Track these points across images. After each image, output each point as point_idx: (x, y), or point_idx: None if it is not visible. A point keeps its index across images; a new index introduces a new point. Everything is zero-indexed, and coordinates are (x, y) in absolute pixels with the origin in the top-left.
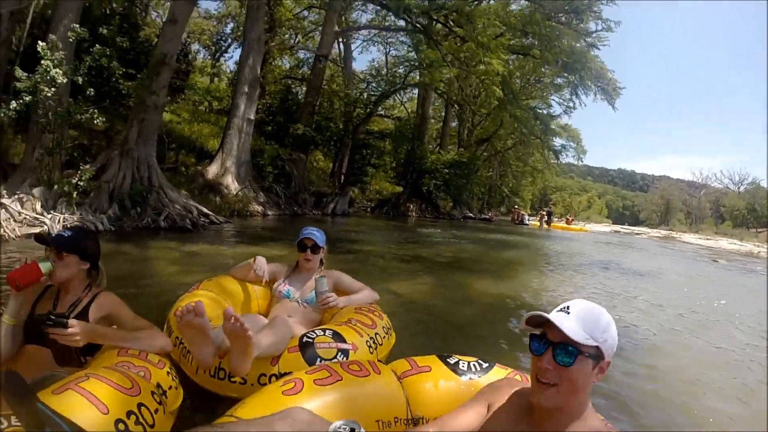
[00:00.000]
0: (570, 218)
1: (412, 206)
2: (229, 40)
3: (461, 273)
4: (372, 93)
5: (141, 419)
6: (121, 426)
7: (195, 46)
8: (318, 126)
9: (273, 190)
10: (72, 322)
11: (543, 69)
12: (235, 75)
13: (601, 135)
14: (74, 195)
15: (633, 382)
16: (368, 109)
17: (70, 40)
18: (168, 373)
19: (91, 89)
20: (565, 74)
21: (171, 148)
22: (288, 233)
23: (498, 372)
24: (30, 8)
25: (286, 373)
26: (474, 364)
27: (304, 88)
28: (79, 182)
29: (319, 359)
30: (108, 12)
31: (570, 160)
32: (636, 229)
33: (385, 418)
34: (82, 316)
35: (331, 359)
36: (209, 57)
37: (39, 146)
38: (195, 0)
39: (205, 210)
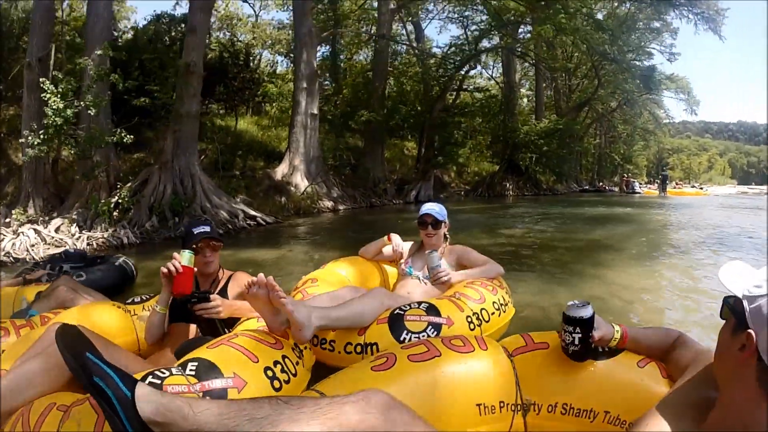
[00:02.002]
0: (678, 184)
1: (508, 184)
2: None
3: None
4: (447, 68)
5: (285, 368)
6: (269, 372)
7: (278, 57)
8: (389, 110)
9: (332, 182)
10: (214, 296)
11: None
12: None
13: (713, 83)
14: (113, 213)
15: None
16: (442, 86)
17: (76, 68)
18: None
19: (93, 110)
20: (659, 14)
21: (238, 154)
22: (338, 230)
23: (629, 356)
24: (52, 51)
25: (371, 344)
26: None
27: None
28: (119, 200)
29: (405, 331)
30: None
31: (685, 117)
32: (765, 188)
33: (488, 402)
34: (222, 293)
35: (419, 332)
36: (291, 64)
37: (80, 172)
38: (210, 10)
39: (252, 212)
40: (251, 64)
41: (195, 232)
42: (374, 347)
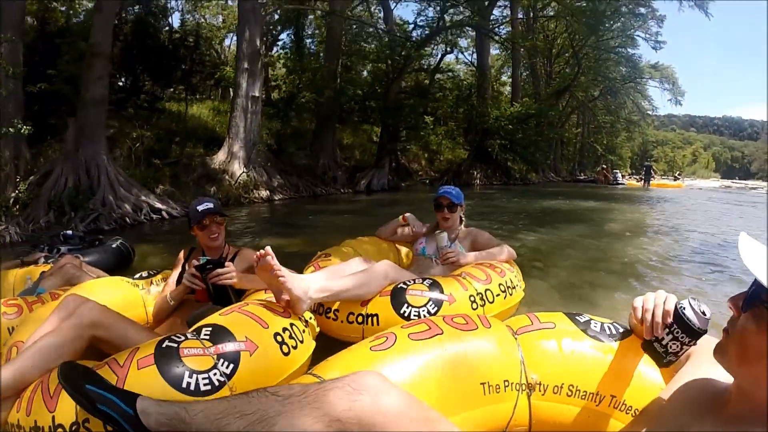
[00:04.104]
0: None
1: (475, 173)
2: (279, 28)
3: None
4: (406, 46)
5: (293, 335)
6: (278, 338)
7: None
8: (336, 92)
9: (273, 169)
10: (227, 263)
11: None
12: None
13: (700, 77)
14: (11, 208)
15: None
16: (399, 65)
17: None
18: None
19: None
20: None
21: (175, 141)
22: (247, 230)
23: (636, 340)
24: None
25: (372, 315)
26: (609, 326)
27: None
28: (18, 194)
29: (406, 305)
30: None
31: (670, 110)
32: (750, 183)
33: (492, 381)
34: None
35: (419, 307)
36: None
37: None
38: None
39: (158, 205)
40: (201, 46)
41: (199, 210)
42: (375, 318)
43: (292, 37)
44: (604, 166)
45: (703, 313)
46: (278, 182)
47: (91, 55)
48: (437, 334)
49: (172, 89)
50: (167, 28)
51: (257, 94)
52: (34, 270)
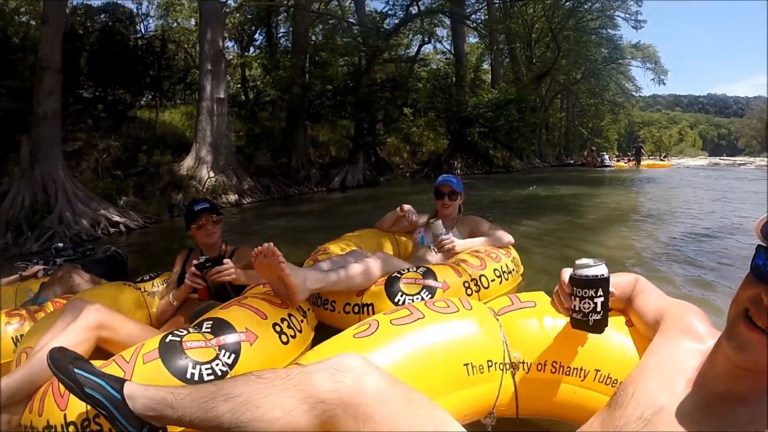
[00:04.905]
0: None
1: (456, 163)
2: (253, 27)
3: None
4: (375, 36)
5: (291, 324)
6: (277, 328)
7: (228, 43)
8: (303, 88)
9: (244, 172)
10: (226, 260)
11: None
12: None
13: (682, 55)
14: None
15: None
16: (369, 57)
17: None
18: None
19: None
20: None
21: (142, 149)
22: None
23: (617, 314)
24: None
25: (367, 304)
26: None
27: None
28: None
29: (400, 293)
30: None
31: (654, 90)
32: (738, 159)
33: (475, 361)
34: None
35: (413, 295)
36: (239, 49)
37: None
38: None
39: (116, 218)
40: (168, 50)
41: (196, 209)
42: (370, 308)
43: (265, 35)
44: (592, 149)
45: (589, 265)
46: (248, 185)
47: (40, 69)
48: (418, 319)
49: (150, 96)
50: (139, 35)
51: (222, 96)
52: (34, 283)
